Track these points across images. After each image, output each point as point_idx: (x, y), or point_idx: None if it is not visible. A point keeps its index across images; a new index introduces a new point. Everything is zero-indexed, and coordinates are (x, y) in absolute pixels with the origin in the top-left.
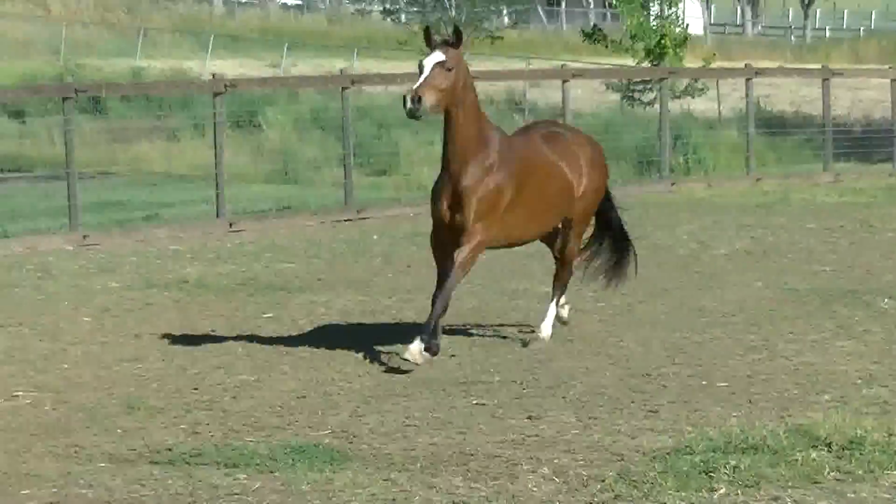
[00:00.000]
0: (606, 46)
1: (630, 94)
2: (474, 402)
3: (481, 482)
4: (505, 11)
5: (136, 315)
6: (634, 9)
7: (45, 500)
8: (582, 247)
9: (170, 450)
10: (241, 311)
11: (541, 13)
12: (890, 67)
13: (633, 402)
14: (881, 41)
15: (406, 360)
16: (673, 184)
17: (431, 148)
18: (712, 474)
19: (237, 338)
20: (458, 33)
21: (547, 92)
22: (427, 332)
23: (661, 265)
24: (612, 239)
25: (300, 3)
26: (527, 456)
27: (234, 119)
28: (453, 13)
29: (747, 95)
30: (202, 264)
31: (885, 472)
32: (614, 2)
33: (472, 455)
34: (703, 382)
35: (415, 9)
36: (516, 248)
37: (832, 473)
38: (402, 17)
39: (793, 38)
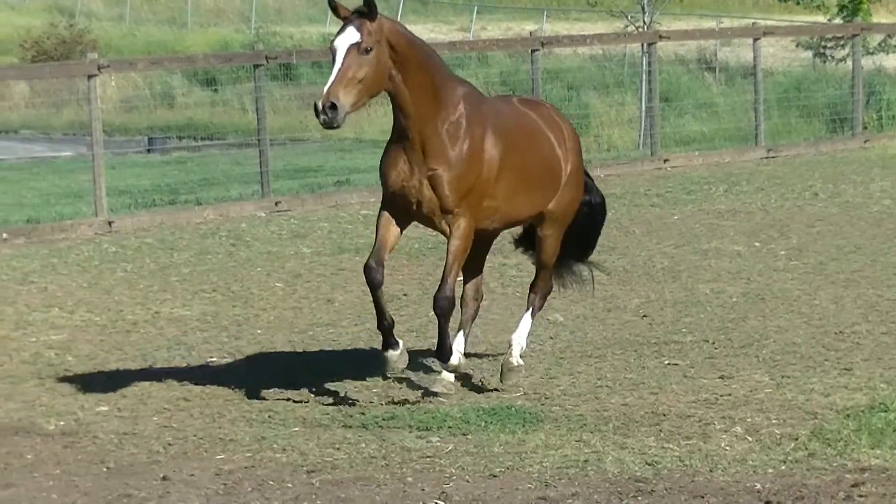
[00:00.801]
0: (798, 3)
1: (822, 52)
2: (666, 362)
3: (674, 442)
4: None
5: (329, 280)
6: None
7: (241, 465)
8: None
9: (363, 413)
10: (433, 275)
11: None
12: None
13: (826, 360)
14: None
15: (437, 393)
16: (866, 140)
17: (622, 108)
18: None
19: (429, 301)
20: (367, 1)
21: (738, 50)
22: (444, 353)
23: (855, 222)
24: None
25: None
26: (719, 415)
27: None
28: None
29: None
30: None
31: None
32: None
33: (664, 415)
34: None
35: None
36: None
37: None
38: None
39: None
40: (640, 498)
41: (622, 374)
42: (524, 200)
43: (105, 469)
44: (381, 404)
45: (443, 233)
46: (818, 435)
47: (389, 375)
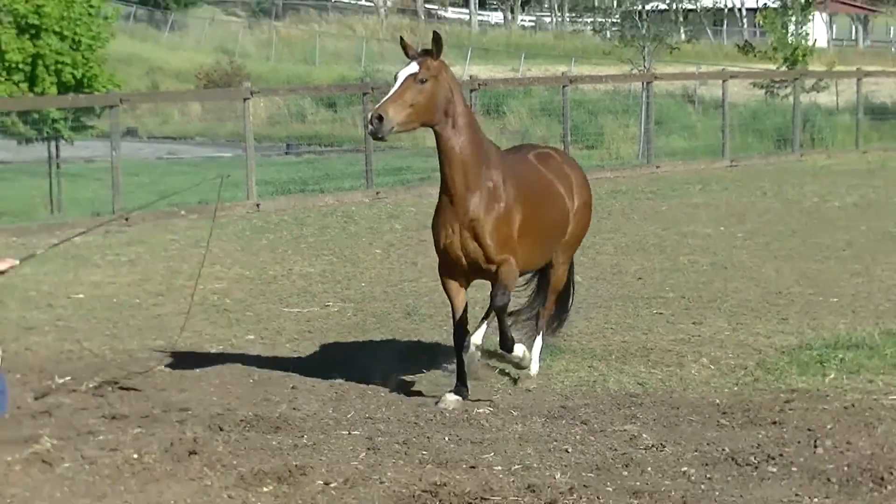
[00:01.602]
0: (755, 56)
1: (772, 90)
2: (654, 311)
3: (658, 369)
4: (682, 30)
5: (413, 248)
6: (776, 28)
7: (353, 376)
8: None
9: (436, 345)
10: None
11: (708, 31)
12: None
13: (769, 312)
14: None
15: (530, 375)
16: (802, 155)
17: (627, 129)
18: (825, 364)
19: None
20: (436, 40)
21: (712, 88)
22: (511, 355)
23: (792, 213)
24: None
25: (533, 23)
26: (691, 350)
27: (485, 108)
28: (643, 31)
29: (857, 91)
30: None
31: None
32: (761, 23)
33: (651, 349)
34: (820, 298)
35: (615, 28)
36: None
37: None
38: (607, 33)
39: (893, 49)
40: (632, 408)
41: (622, 320)
42: (538, 253)
43: (251, 380)
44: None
45: (491, 280)
46: (761, 366)
47: (443, 409)
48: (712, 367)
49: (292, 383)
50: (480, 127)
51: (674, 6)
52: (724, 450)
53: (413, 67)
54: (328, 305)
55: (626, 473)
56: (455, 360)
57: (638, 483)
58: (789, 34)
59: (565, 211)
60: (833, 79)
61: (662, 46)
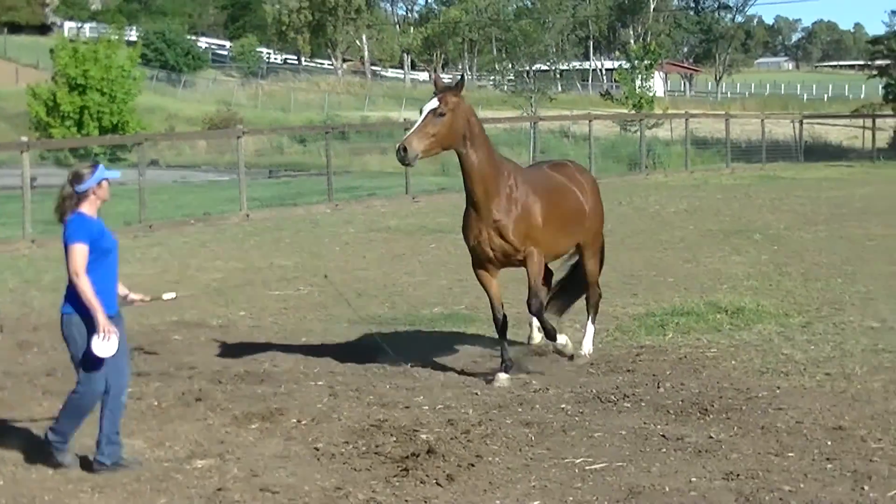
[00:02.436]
0: (613, 102)
1: (624, 127)
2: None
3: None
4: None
5: (364, 246)
6: (627, 83)
7: (317, 341)
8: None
9: (379, 316)
10: (418, 243)
11: (578, 85)
12: (762, 113)
13: (624, 289)
14: (758, 100)
15: (577, 355)
16: (647, 175)
17: (520, 157)
18: (665, 327)
19: (416, 256)
20: (461, 78)
21: (581, 127)
22: (550, 334)
23: (640, 217)
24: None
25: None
26: (568, 318)
27: None
28: (531, 85)
29: (686, 128)
30: (398, 218)
31: (754, 325)
32: (617, 79)
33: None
34: (661, 279)
35: (510, 83)
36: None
37: (728, 326)
38: (504, 87)
39: (710, 97)
40: (525, 362)
41: (516, 296)
42: (564, 240)
43: (242, 345)
44: (388, 311)
45: (522, 265)
46: (619, 328)
47: (498, 387)
48: (583, 330)
49: (273, 347)
50: (495, 148)
51: (553, 67)
52: (592, 391)
53: (434, 103)
54: (300, 289)
55: (520, 409)
56: (498, 346)
57: (529, 417)
58: (636, 87)
59: (580, 204)
60: (668, 119)
61: (544, 97)
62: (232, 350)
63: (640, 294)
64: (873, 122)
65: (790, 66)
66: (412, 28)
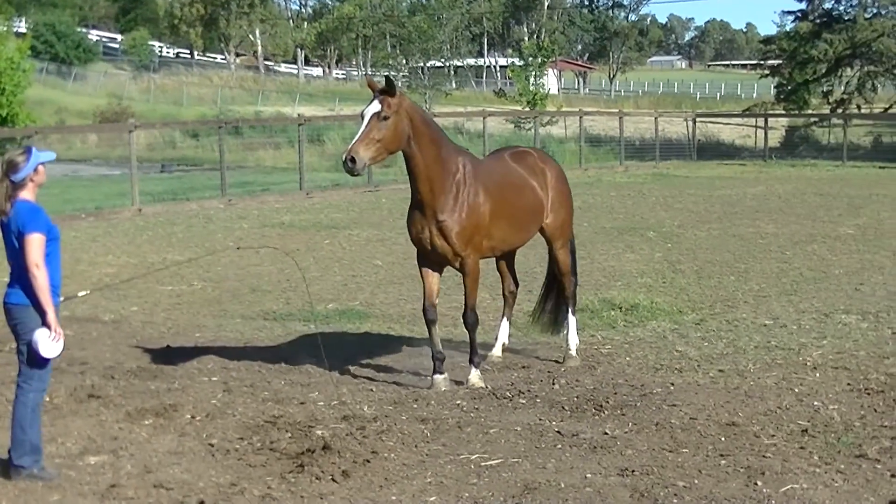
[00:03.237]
0: (506, 99)
1: (518, 125)
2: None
3: (441, 328)
4: (453, 81)
5: (257, 241)
6: (521, 80)
7: (209, 338)
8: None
9: (274, 312)
10: (313, 239)
11: (472, 82)
12: (655, 111)
13: (595, 286)
14: (651, 98)
15: (475, 385)
16: None
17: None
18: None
19: (310, 251)
20: (388, 82)
21: (475, 123)
22: (475, 358)
23: None
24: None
25: (344, 75)
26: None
27: (310, 138)
28: (425, 81)
29: (580, 125)
30: (292, 214)
31: (648, 322)
32: (511, 76)
33: (445, 315)
34: None
35: (405, 79)
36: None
37: (622, 323)
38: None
39: (604, 95)
40: (419, 358)
41: (413, 293)
42: (517, 235)
43: (135, 340)
44: (284, 307)
45: (459, 270)
46: (514, 325)
47: (434, 391)
48: (479, 328)
49: (166, 342)
50: (448, 141)
51: (447, 64)
52: (487, 387)
53: (375, 106)
54: (193, 284)
55: (416, 406)
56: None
57: (425, 413)
58: (530, 84)
59: (537, 198)
60: (562, 117)
61: (439, 93)
62: (124, 346)
63: (535, 291)
64: (765, 121)
65: (683, 64)
66: (306, 23)
